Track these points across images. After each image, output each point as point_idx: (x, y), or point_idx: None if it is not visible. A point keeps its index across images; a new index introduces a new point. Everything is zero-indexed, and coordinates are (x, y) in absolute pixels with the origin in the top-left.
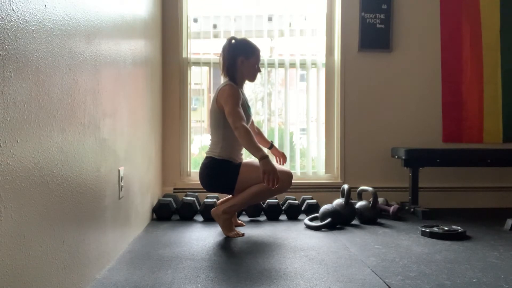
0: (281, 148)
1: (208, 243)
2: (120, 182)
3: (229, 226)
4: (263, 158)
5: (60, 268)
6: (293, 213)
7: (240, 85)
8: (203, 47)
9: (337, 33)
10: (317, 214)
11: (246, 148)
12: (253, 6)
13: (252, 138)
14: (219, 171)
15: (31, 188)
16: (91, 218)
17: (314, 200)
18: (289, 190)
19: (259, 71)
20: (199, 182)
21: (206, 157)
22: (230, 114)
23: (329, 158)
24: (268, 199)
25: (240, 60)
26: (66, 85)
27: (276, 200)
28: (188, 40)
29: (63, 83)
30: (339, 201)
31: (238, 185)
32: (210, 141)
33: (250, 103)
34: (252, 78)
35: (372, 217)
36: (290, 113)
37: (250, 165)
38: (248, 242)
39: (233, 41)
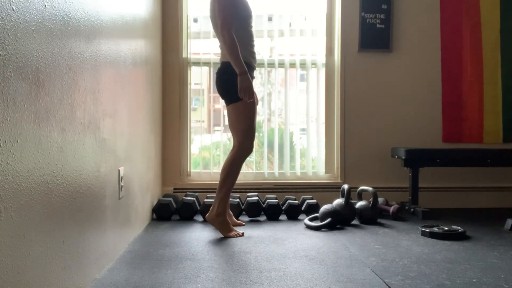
0: (281, 148)
1: (208, 243)
2: (120, 182)
3: (226, 227)
4: (242, 74)
5: (60, 268)
6: (293, 213)
7: None
8: (203, 47)
9: (337, 33)
10: (317, 214)
11: (229, 58)
12: (253, 6)
13: (237, 50)
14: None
15: (31, 188)
16: (91, 218)
17: (314, 200)
18: (289, 190)
19: None
20: (217, 92)
21: (221, 63)
22: (220, 14)
23: (329, 158)
24: (239, 169)
25: None
26: (66, 85)
27: (276, 200)
28: (188, 40)
29: (63, 83)
30: (339, 201)
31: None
32: (219, 48)
33: None
34: None
35: (372, 217)
36: (290, 113)
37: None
38: (248, 242)
39: None
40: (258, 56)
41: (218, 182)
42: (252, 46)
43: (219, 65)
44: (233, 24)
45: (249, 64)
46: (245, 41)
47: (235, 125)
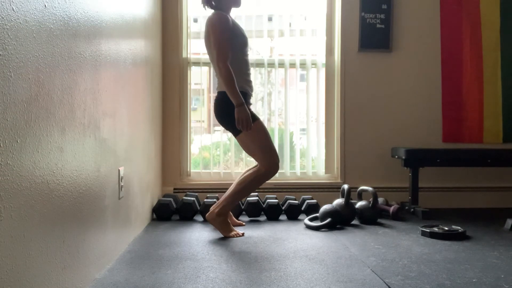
0: (281, 148)
1: (208, 243)
2: (120, 182)
3: (226, 227)
4: (239, 105)
5: (60, 268)
6: (293, 213)
7: (227, 12)
8: (203, 47)
9: (337, 33)
10: (317, 214)
11: (226, 90)
12: (253, 6)
13: (233, 82)
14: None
15: (31, 188)
16: (91, 218)
17: (314, 200)
18: (289, 190)
19: None
20: (219, 123)
21: (218, 93)
22: (215, 46)
23: (329, 158)
24: (257, 188)
25: None
26: (66, 85)
27: (276, 200)
28: (188, 40)
29: (63, 83)
30: (339, 201)
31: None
32: (216, 77)
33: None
34: (236, 3)
35: (372, 217)
36: (290, 113)
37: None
38: (248, 242)
39: None
40: (258, 56)
41: (218, 182)
42: (248, 74)
43: (216, 94)
44: (229, 56)
45: (245, 92)
46: (241, 70)
47: (252, 152)
